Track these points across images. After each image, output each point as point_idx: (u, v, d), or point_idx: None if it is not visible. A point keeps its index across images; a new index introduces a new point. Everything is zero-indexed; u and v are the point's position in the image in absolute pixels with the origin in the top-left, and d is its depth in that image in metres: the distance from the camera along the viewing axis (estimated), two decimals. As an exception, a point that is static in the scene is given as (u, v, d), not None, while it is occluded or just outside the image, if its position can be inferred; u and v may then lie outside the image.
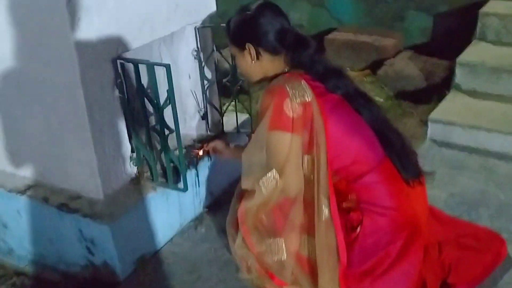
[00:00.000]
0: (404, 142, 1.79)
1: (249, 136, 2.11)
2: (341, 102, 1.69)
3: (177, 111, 2.12)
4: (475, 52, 3.51)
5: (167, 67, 2.02)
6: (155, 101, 2.12)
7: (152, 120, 2.29)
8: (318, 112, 1.61)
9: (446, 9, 4.24)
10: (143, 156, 2.28)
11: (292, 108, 1.59)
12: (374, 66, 4.17)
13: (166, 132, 2.17)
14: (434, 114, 3.23)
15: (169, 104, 2.09)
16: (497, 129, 3.00)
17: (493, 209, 2.51)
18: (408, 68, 3.94)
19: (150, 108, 2.17)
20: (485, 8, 3.69)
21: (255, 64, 1.73)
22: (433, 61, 3.99)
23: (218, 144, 2.12)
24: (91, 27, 1.93)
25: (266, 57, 1.72)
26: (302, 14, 4.85)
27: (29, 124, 2.22)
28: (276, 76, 1.73)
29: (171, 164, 2.25)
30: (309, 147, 1.63)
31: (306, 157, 1.65)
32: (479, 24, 3.67)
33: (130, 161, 2.29)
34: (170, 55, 2.48)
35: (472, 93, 3.40)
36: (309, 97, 1.61)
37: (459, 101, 3.34)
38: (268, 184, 1.65)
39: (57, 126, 2.14)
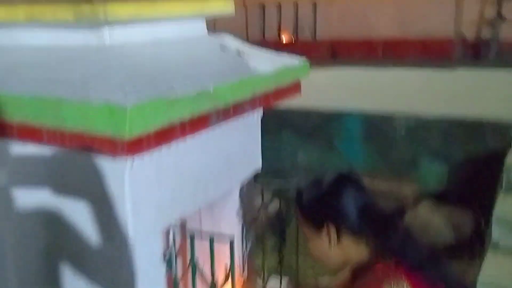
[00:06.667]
0: None
1: None
2: None
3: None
4: (510, 207, 3.37)
5: (231, 243, 1.73)
6: (211, 279, 1.80)
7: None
8: None
9: (462, 157, 4.20)
10: None
11: None
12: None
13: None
14: (483, 278, 2.97)
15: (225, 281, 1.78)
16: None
17: None
18: (434, 220, 3.76)
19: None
20: (510, 159, 3.64)
21: (335, 248, 1.51)
22: (458, 211, 3.84)
23: None
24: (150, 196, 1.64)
25: (347, 239, 1.50)
26: (312, 156, 4.76)
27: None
28: (362, 265, 1.49)
29: None
30: None
31: None
32: (505, 176, 3.59)
33: None
34: (212, 220, 2.20)
35: (513, 253, 3.19)
36: None
37: (503, 263, 3.11)
38: None
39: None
